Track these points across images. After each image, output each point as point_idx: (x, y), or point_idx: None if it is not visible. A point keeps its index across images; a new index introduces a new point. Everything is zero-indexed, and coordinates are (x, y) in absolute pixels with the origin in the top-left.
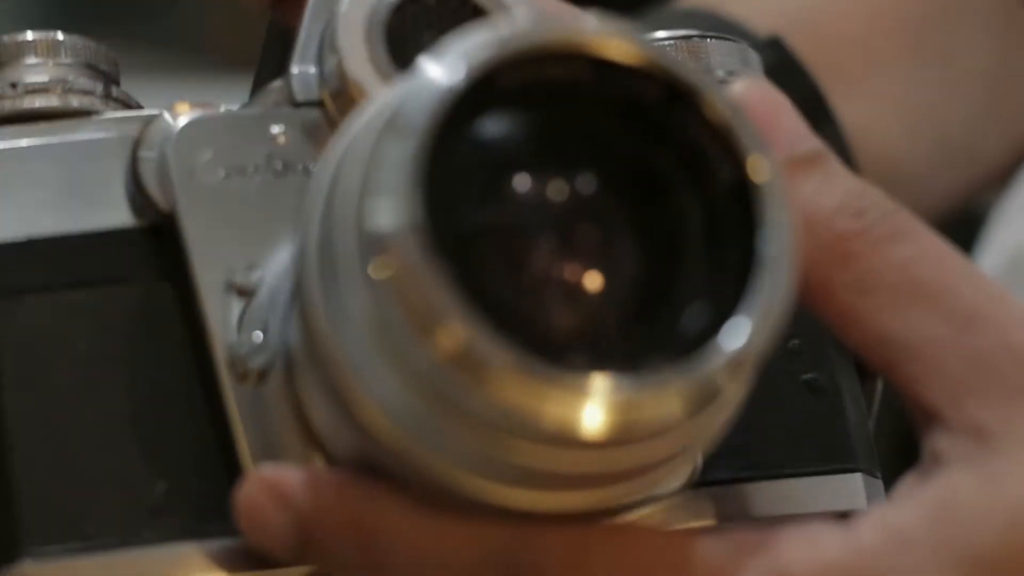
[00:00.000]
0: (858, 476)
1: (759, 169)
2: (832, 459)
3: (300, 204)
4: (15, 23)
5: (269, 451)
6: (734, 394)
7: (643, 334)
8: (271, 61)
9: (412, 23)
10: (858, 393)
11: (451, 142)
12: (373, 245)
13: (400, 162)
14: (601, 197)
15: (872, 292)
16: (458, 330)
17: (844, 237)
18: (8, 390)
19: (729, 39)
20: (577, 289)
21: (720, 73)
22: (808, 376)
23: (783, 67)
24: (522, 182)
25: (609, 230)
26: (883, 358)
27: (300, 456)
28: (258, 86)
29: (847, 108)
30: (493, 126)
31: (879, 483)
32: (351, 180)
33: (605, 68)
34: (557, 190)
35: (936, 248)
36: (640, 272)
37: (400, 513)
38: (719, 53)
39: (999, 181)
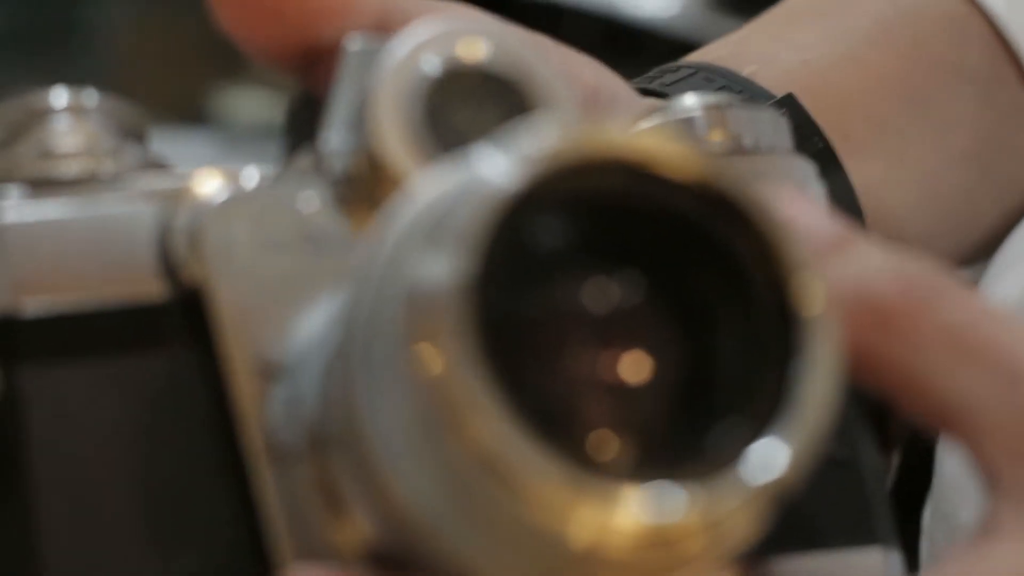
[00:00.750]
0: (877, 550)
1: (804, 292)
2: (852, 533)
3: (341, 288)
4: None
5: (299, 532)
6: (764, 506)
7: (677, 444)
8: (300, 129)
9: (446, 101)
10: (877, 465)
11: (498, 244)
12: (415, 336)
13: (448, 266)
14: (644, 305)
15: (921, 355)
16: (493, 433)
17: (887, 303)
18: (35, 461)
19: (758, 106)
20: (615, 395)
21: (749, 142)
22: (828, 450)
23: (798, 126)
24: (566, 287)
25: (650, 338)
26: (940, 421)
27: (331, 539)
28: (288, 153)
29: (852, 169)
30: (541, 229)
31: (898, 556)
32: (396, 274)
33: (654, 179)
34: (600, 297)
35: (980, 305)
36: (678, 381)
37: None
38: (750, 122)
39: (993, 250)
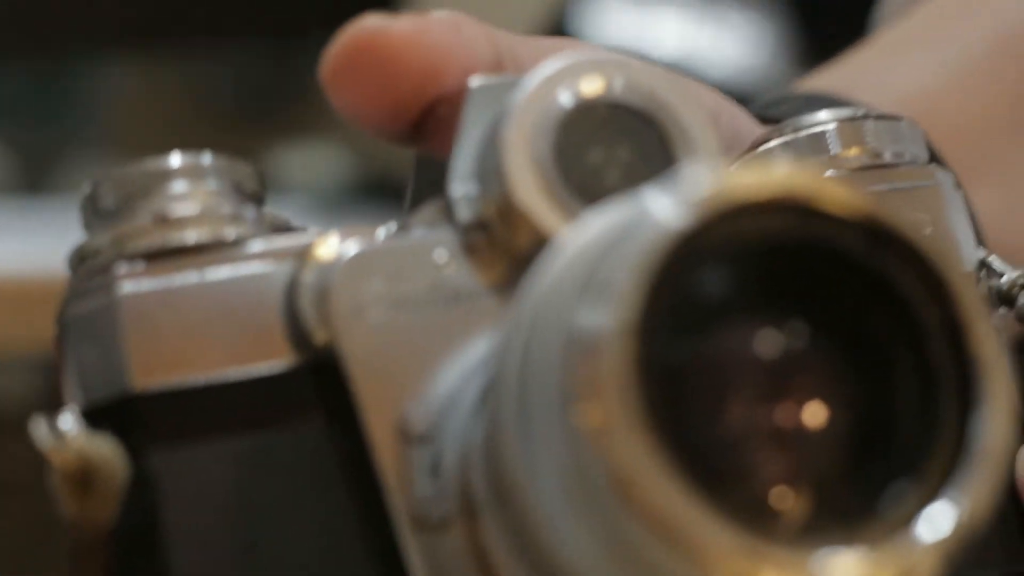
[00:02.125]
0: None
1: (979, 334)
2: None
3: (477, 342)
4: None
5: None
6: (940, 564)
7: (852, 500)
8: (421, 186)
9: (578, 139)
10: None
11: (662, 291)
12: (575, 390)
13: (609, 316)
14: (813, 350)
15: None
16: (662, 494)
17: None
18: (175, 550)
19: (890, 116)
20: (786, 446)
21: (888, 156)
22: None
23: None
24: (733, 333)
25: (821, 385)
26: None
27: None
28: (410, 209)
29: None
30: (705, 275)
31: None
32: (553, 326)
33: (821, 218)
34: (768, 343)
35: None
36: (851, 430)
37: None
38: (887, 133)
39: None
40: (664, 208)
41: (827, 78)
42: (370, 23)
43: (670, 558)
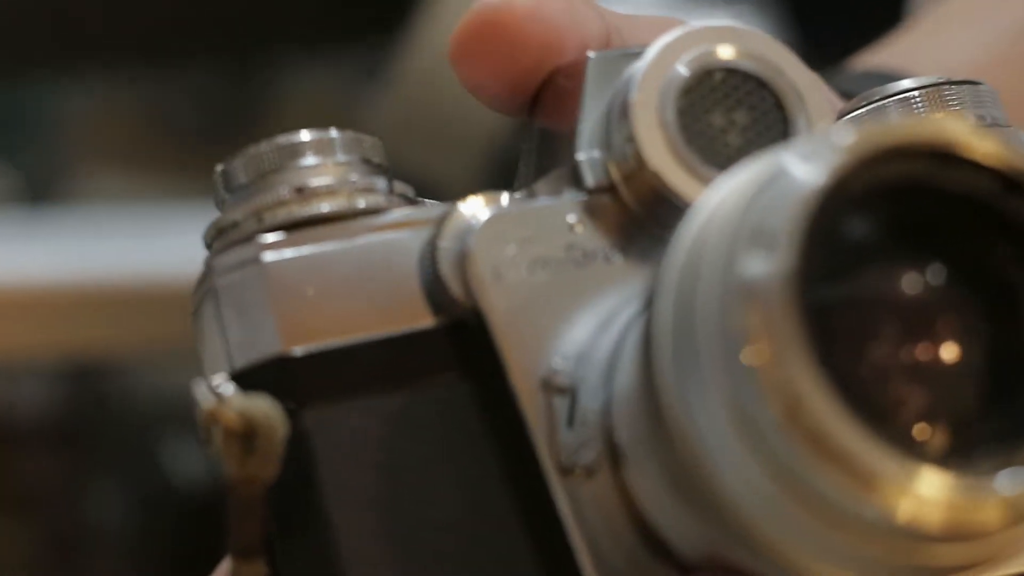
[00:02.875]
0: None
1: None
2: None
3: (609, 297)
4: None
5: (599, 546)
6: None
7: (989, 426)
8: (543, 156)
9: (700, 104)
10: None
11: (814, 238)
12: (746, 337)
13: (771, 262)
14: (949, 288)
15: None
16: (831, 425)
17: None
18: (331, 503)
19: (970, 81)
20: (927, 378)
21: (971, 118)
22: None
23: None
24: (877, 274)
25: (958, 321)
26: None
27: (632, 551)
28: (524, 180)
29: None
30: (851, 220)
31: None
32: (713, 283)
33: (957, 163)
34: (908, 283)
35: None
36: (989, 360)
37: None
38: (970, 97)
39: None
40: (813, 160)
41: (877, 57)
42: (492, 1)
43: (834, 480)
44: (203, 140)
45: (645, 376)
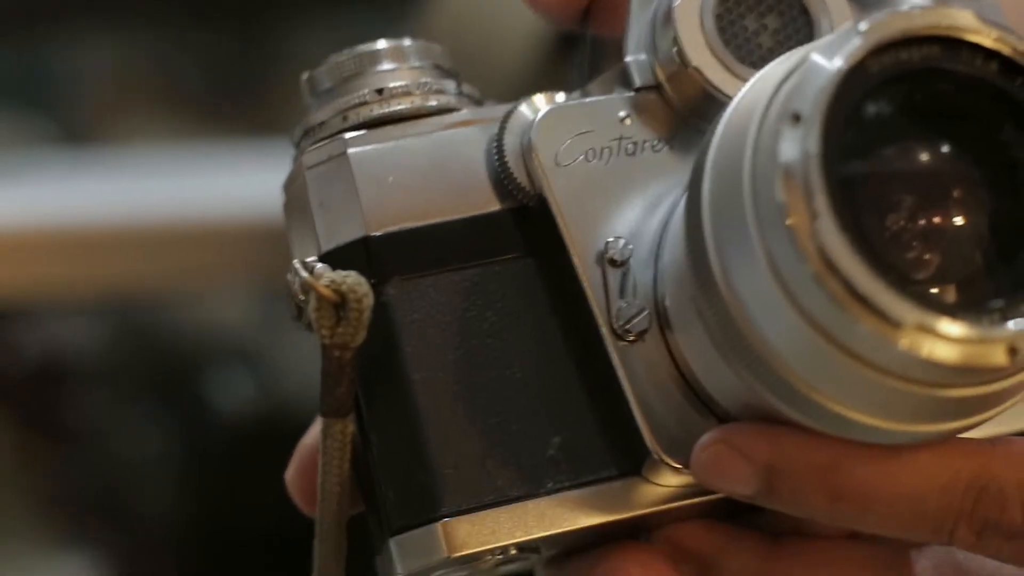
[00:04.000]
0: None
1: None
2: None
3: (658, 183)
4: None
5: (649, 401)
6: None
7: (997, 282)
8: (596, 60)
9: (735, 9)
10: None
11: (839, 118)
12: (788, 205)
13: (801, 140)
14: (959, 161)
15: None
16: (860, 277)
17: None
18: (411, 366)
19: None
20: (944, 236)
21: None
22: None
23: None
24: (895, 149)
25: (967, 189)
26: None
27: (680, 407)
28: (577, 83)
29: None
30: (870, 101)
31: None
32: (750, 157)
33: (966, 48)
34: (922, 157)
35: None
36: (993, 226)
37: (864, 458)
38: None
39: None
40: (835, 49)
41: None
42: None
43: (864, 325)
44: (213, 95)
45: (691, 246)
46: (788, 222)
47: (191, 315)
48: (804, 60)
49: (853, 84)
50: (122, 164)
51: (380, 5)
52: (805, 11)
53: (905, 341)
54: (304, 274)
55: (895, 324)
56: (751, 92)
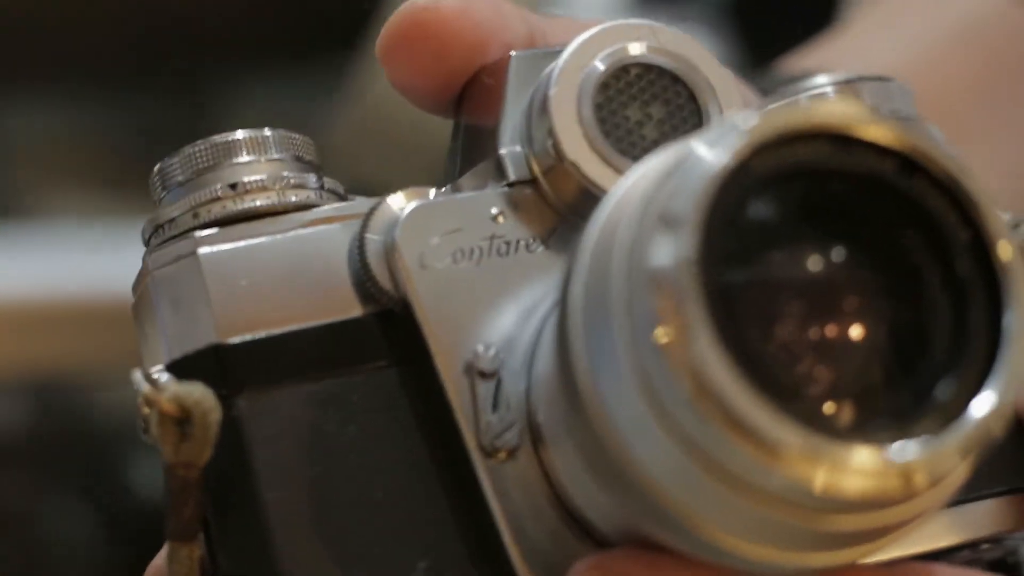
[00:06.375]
0: None
1: (1006, 253)
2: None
3: (534, 287)
4: None
5: (521, 524)
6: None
7: (899, 399)
8: (467, 152)
9: (616, 98)
10: None
11: (717, 220)
12: (656, 318)
13: (676, 245)
14: (854, 267)
15: None
16: (737, 401)
17: None
18: (264, 485)
19: (879, 78)
20: (834, 354)
21: (885, 112)
22: None
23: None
24: (782, 254)
25: (863, 299)
26: None
27: (554, 529)
28: (450, 175)
29: None
30: (754, 202)
31: None
32: (621, 263)
33: (856, 145)
34: (812, 262)
35: None
36: (892, 337)
37: None
38: (881, 92)
39: None
40: (718, 144)
41: (809, 58)
42: (420, 2)
43: (741, 451)
44: (153, 160)
45: (560, 357)
46: (657, 335)
47: (114, 395)
48: (684, 154)
49: (736, 183)
50: (46, 240)
51: (320, 74)
52: (693, 98)
53: (785, 470)
54: (145, 387)
55: (772, 450)
56: (625, 186)
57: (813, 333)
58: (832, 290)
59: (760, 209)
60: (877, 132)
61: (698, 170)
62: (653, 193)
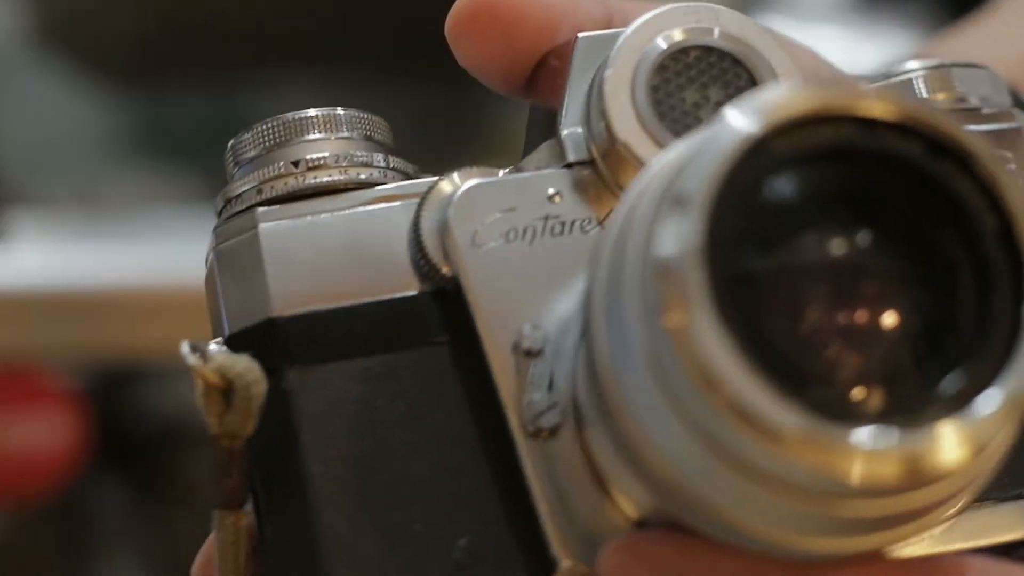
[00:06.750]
0: None
1: None
2: None
3: (588, 261)
4: None
5: (563, 503)
6: (1009, 433)
7: (918, 387)
8: (536, 134)
9: (674, 80)
10: None
11: (732, 202)
12: (659, 297)
13: (684, 236)
14: (877, 253)
15: None
16: (739, 388)
17: None
18: (310, 458)
19: (974, 65)
20: (856, 336)
21: (974, 100)
22: None
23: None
24: (802, 239)
25: (886, 284)
26: None
27: (594, 507)
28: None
29: None
30: (774, 184)
31: None
32: (636, 249)
33: (882, 128)
34: (835, 247)
35: None
36: (916, 323)
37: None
38: (973, 81)
39: None
40: (735, 121)
41: (951, 44)
42: None
43: (748, 439)
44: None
45: (587, 340)
46: (664, 322)
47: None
48: (709, 136)
49: (751, 165)
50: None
51: (366, 69)
52: (753, 82)
53: (791, 455)
54: (191, 358)
55: (777, 437)
56: (655, 168)
57: (831, 319)
58: (854, 277)
59: (785, 191)
60: (902, 115)
61: (714, 146)
62: (673, 173)
